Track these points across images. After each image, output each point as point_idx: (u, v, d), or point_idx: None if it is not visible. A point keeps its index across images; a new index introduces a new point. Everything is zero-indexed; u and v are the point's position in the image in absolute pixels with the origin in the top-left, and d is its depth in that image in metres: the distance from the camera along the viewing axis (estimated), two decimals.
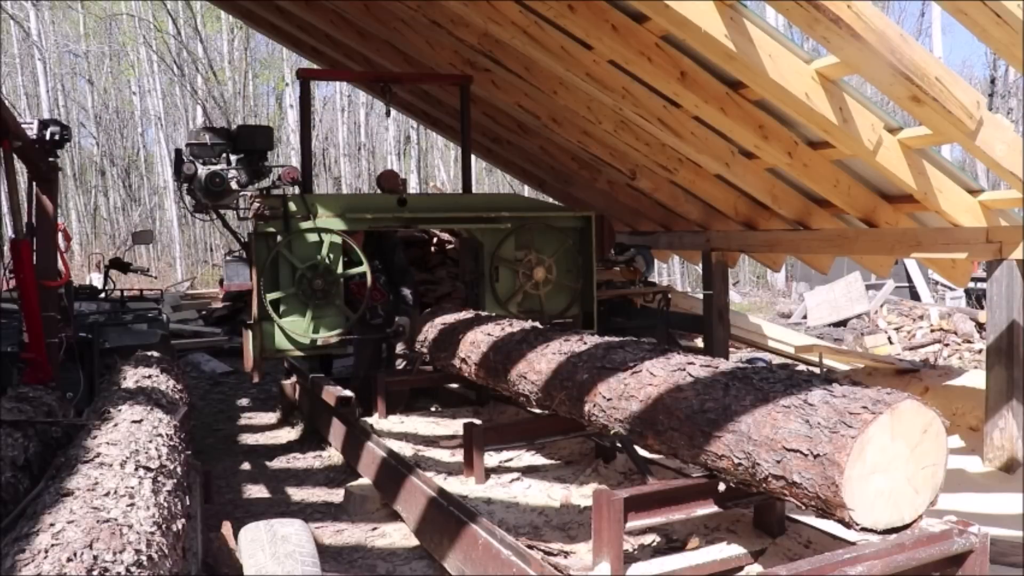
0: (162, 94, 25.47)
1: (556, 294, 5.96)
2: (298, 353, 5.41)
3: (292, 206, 5.20)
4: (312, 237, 5.24)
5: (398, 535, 3.78)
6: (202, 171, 5.00)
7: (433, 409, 5.56)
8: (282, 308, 5.22)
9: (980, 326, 9.16)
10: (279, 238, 5.16)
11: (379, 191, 6.26)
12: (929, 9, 21.77)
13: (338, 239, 5.30)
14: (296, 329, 5.22)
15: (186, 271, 22.40)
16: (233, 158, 5.14)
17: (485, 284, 5.74)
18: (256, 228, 5.17)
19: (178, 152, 5.18)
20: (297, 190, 5.40)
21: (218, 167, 5.04)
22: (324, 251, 5.23)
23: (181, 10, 23.30)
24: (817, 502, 2.28)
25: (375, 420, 4.99)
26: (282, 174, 5.23)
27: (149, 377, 3.72)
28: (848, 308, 12.24)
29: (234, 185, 5.06)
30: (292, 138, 22.79)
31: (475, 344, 4.37)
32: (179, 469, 2.55)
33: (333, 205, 5.40)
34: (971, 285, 10.17)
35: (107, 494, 1.95)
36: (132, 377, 3.70)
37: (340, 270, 5.30)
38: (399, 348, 5.82)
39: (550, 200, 8.75)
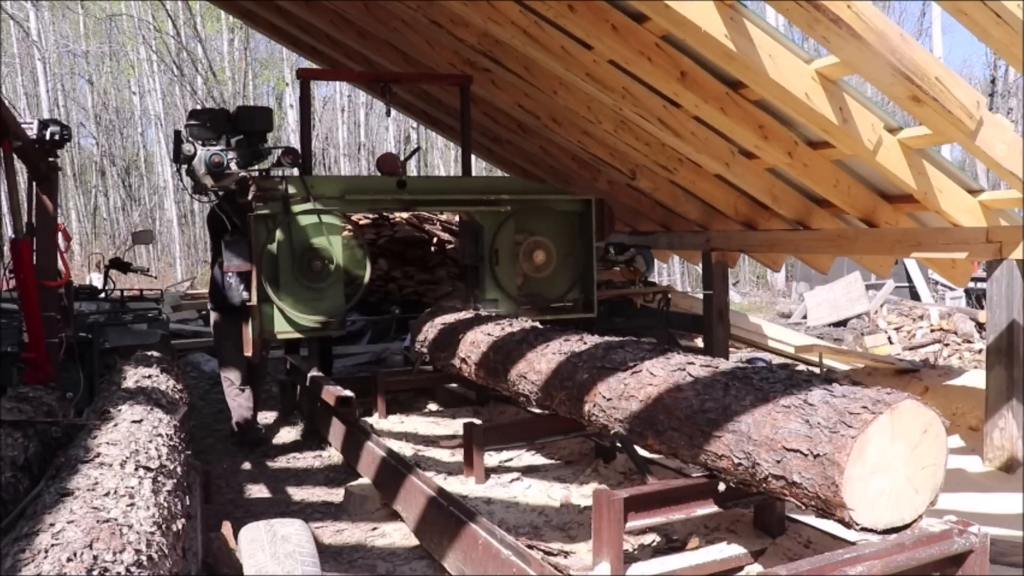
0: (162, 94, 25.47)
1: (556, 277, 5.95)
2: (297, 335, 5.39)
3: (291, 188, 5.17)
4: (311, 218, 5.21)
5: (398, 535, 3.77)
6: (202, 152, 4.96)
7: (431, 409, 5.56)
8: (281, 290, 5.21)
9: (980, 326, 9.16)
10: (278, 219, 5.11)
11: (379, 174, 6.21)
12: (929, 9, 21.80)
13: (337, 220, 5.27)
14: (295, 311, 5.21)
15: (186, 271, 22.38)
16: (233, 140, 5.10)
17: (485, 267, 5.73)
18: (256, 210, 5.14)
19: (177, 133, 5.13)
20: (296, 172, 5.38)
21: (218, 148, 5.00)
22: (323, 232, 5.21)
23: (181, 10, 23.28)
24: (817, 502, 2.28)
25: (375, 420, 4.99)
26: (281, 156, 5.19)
27: (149, 377, 3.73)
28: (848, 308, 12.24)
29: (234, 166, 5.03)
30: (292, 138, 22.77)
31: (475, 344, 4.36)
32: (179, 469, 2.55)
33: (332, 186, 5.39)
34: (971, 285, 10.18)
35: (107, 494, 1.95)
36: (132, 377, 3.70)
37: (339, 252, 5.28)
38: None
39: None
